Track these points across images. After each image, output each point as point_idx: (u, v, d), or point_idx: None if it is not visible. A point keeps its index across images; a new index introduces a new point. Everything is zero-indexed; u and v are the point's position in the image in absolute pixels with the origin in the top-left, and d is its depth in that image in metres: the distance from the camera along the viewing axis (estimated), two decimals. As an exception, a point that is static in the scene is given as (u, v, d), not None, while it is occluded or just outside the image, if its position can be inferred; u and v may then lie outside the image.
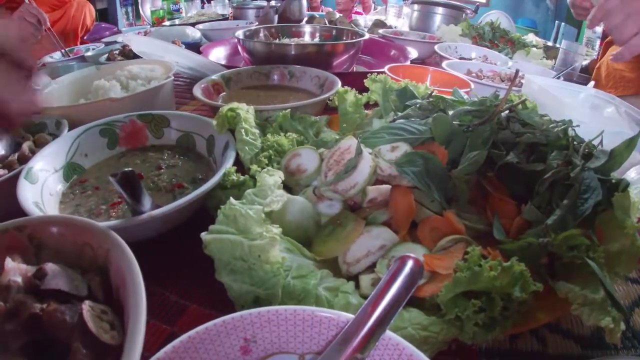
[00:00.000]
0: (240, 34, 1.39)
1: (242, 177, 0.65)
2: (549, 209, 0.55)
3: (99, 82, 1.06)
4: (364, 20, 2.45)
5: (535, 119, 0.64)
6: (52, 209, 0.70)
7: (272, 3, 2.31)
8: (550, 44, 2.31)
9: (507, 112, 0.67)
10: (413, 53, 1.51)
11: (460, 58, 1.66)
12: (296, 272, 0.50)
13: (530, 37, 2.13)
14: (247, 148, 0.70)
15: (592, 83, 1.24)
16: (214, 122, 0.75)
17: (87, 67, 1.24)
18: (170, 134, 0.87)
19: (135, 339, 0.38)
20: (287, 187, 0.68)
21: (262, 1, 2.36)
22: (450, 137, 0.64)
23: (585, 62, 1.83)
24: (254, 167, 0.65)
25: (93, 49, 1.98)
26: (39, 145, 0.87)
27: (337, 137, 0.81)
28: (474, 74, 1.33)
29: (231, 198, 0.53)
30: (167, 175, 0.77)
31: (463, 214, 0.58)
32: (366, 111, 0.90)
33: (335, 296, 0.49)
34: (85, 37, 2.76)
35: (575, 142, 0.61)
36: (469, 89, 1.08)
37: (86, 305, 0.45)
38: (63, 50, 1.96)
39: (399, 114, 0.76)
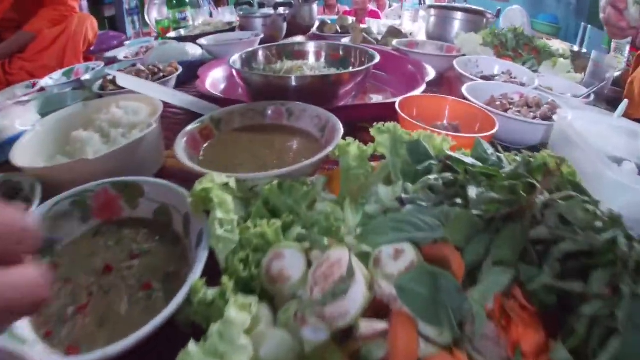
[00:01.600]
0: (236, 60, 1.26)
1: (211, 295, 0.54)
2: (585, 354, 0.42)
3: (77, 134, 0.96)
4: (377, 26, 2.28)
5: (578, 214, 0.50)
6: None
7: (280, 10, 2.17)
8: (576, 48, 2.11)
9: (543, 197, 0.53)
10: (430, 72, 1.36)
11: (482, 77, 1.49)
12: None
13: (556, 45, 1.94)
14: (221, 246, 0.58)
15: (625, 102, 1.08)
16: (189, 199, 0.64)
17: (75, 105, 1.15)
18: (146, 205, 0.76)
19: None
20: (269, 294, 0.56)
21: (269, 9, 2.22)
22: (470, 236, 0.51)
23: (617, 74, 1.65)
24: (225, 282, 0.54)
25: (93, 69, 1.93)
26: None
27: (334, 202, 0.68)
28: (497, 102, 1.18)
29: (190, 345, 0.43)
30: (139, 268, 0.67)
31: (477, 346, 0.46)
32: (372, 163, 0.77)
33: None
34: (92, 49, 2.70)
35: (625, 250, 0.47)
36: (493, 131, 0.94)
37: None
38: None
39: (409, 187, 0.63)
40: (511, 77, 1.50)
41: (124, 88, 1.36)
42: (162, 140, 1.05)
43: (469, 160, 0.67)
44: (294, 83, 1.10)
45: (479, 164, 0.67)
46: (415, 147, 0.72)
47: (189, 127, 0.92)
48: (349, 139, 0.78)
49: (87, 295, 0.64)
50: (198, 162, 0.86)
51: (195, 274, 0.56)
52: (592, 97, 1.40)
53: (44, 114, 1.18)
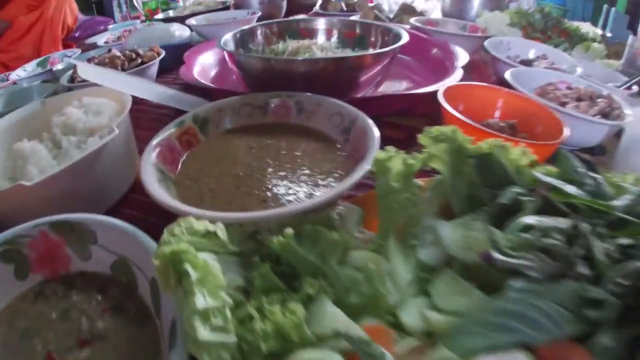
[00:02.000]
0: (228, 40, 1.01)
1: None
2: None
3: (19, 146, 0.72)
4: (388, 4, 2.01)
5: None
6: None
7: (280, -14, 1.91)
8: (599, 31, 1.87)
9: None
10: (462, 56, 1.09)
11: (522, 62, 1.26)
12: None
13: (586, 27, 1.70)
14: (207, 356, 0.35)
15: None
16: (154, 262, 0.40)
17: (30, 104, 0.91)
18: (101, 256, 0.53)
19: None
20: None
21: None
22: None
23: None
24: None
25: (69, 56, 1.70)
26: None
27: (375, 245, 0.46)
28: (550, 95, 0.94)
29: None
30: (89, 361, 0.44)
31: None
32: (419, 181, 0.53)
33: None
34: (76, 34, 2.46)
35: None
36: (564, 136, 0.72)
37: None
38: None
39: (497, 236, 0.40)
40: (551, 65, 1.26)
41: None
42: (133, 145, 0.82)
43: (571, 189, 0.44)
44: (302, 68, 0.85)
45: (583, 193, 0.44)
46: (485, 162, 0.50)
47: (162, 135, 0.68)
48: (389, 150, 0.54)
49: None
50: (173, 184, 0.63)
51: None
52: (636, 88, 1.16)
53: (3, 114, 0.95)
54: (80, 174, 0.66)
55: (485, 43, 1.29)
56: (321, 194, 0.57)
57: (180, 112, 0.73)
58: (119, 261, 0.51)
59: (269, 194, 0.59)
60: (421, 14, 1.85)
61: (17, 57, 2.23)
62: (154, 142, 0.65)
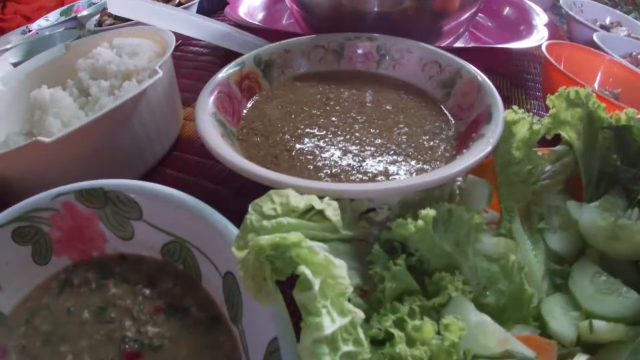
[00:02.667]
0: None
1: None
2: None
3: (37, 94, 0.59)
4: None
5: None
6: None
7: None
8: None
9: None
10: (541, 16, 0.92)
11: (602, 26, 1.12)
12: None
13: None
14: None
15: None
16: (236, 254, 0.26)
17: (52, 49, 0.77)
18: (148, 236, 0.40)
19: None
20: None
21: None
22: None
23: None
24: None
25: (95, 2, 1.53)
26: None
27: (506, 246, 0.36)
28: None
29: None
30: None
31: None
32: (540, 151, 0.44)
33: None
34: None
35: None
36: None
37: None
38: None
39: None
40: (630, 33, 1.13)
41: (125, 20, 1.00)
42: (177, 94, 0.68)
43: None
44: (377, 7, 0.69)
45: None
46: (625, 136, 0.41)
47: (220, 75, 0.53)
48: (517, 110, 0.43)
49: None
50: (237, 140, 0.48)
51: None
52: None
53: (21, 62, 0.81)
54: (114, 127, 0.53)
55: (562, 2, 1.14)
56: (445, 164, 0.42)
57: (228, 61, 0.58)
58: (173, 243, 0.38)
59: (364, 159, 0.45)
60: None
61: (39, 8, 2.08)
62: (210, 86, 0.50)
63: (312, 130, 0.49)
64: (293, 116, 0.52)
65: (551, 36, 0.86)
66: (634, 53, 0.93)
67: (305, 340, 0.23)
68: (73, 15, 1.49)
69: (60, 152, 0.49)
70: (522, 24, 0.93)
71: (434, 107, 0.54)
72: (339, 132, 0.49)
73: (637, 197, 0.37)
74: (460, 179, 0.39)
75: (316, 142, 0.47)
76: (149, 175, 0.60)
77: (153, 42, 0.68)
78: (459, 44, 0.85)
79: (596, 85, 0.78)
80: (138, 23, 0.76)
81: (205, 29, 0.66)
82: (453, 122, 0.51)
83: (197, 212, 0.35)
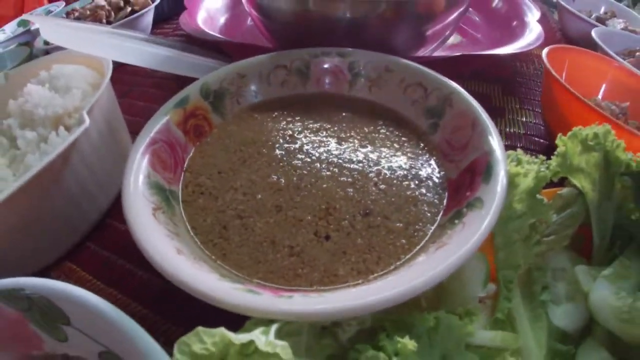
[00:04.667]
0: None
1: None
2: None
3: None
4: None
5: None
6: None
7: None
8: None
9: None
10: (533, 12, 0.84)
11: (597, 18, 1.07)
12: None
13: None
14: None
15: None
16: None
17: None
18: (82, 340, 0.32)
19: None
20: None
21: None
22: None
23: None
24: None
25: (52, 11, 1.42)
26: None
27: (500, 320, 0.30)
28: None
29: None
30: None
31: None
32: (544, 196, 0.37)
33: None
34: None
35: None
36: None
37: None
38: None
39: None
40: (627, 26, 1.06)
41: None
42: (122, 128, 0.59)
43: None
44: (349, 14, 0.59)
45: None
46: None
47: (155, 121, 0.43)
48: (522, 157, 0.37)
49: None
50: (182, 203, 0.39)
51: None
52: None
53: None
54: (44, 191, 0.43)
55: None
56: (433, 228, 0.34)
57: (185, 77, 0.49)
58: (107, 353, 0.30)
59: (333, 229, 0.36)
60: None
61: (-4, 18, 1.96)
62: (143, 140, 0.40)
63: (270, 181, 0.41)
64: (247, 162, 0.43)
65: (544, 30, 0.78)
66: (638, 54, 0.85)
67: None
68: (29, 27, 1.38)
69: None
70: (514, 20, 0.86)
71: (417, 141, 0.45)
72: (302, 186, 0.40)
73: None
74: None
75: (274, 202, 0.38)
76: (91, 238, 0.51)
77: (90, 68, 0.59)
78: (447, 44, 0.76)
79: (600, 96, 0.68)
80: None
81: (145, 54, 0.56)
82: (441, 164, 0.42)
83: (125, 331, 0.27)
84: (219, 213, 0.38)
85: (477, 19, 0.94)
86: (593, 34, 0.82)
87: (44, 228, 0.46)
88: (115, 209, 0.54)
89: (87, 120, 0.43)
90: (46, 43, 0.98)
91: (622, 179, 0.36)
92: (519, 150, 0.37)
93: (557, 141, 0.37)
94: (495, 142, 0.36)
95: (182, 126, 0.45)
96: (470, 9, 0.92)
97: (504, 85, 0.75)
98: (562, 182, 0.39)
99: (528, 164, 0.34)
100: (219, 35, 0.75)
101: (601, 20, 1.07)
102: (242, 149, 0.45)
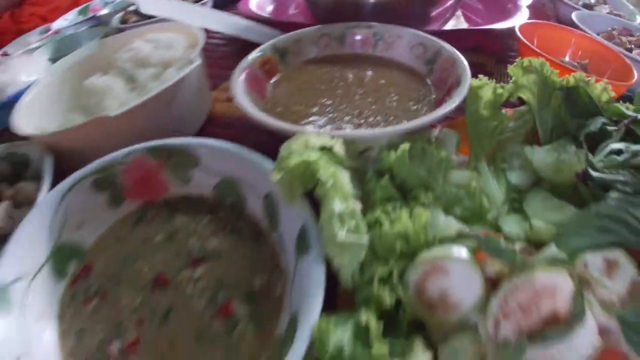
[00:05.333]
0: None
1: (347, 340, 0.32)
2: None
3: (91, 82, 0.71)
4: None
5: None
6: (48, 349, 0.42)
7: None
8: None
9: None
10: None
11: (585, 5, 1.23)
12: None
13: None
14: (347, 258, 0.35)
15: None
16: (275, 176, 0.39)
17: (87, 45, 0.90)
18: (202, 180, 0.53)
19: None
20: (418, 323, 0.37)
21: None
22: None
23: None
24: (369, 322, 0.32)
25: (112, 2, 1.62)
26: (19, 203, 0.59)
27: (470, 174, 0.47)
28: (616, 40, 0.97)
29: None
30: (208, 279, 0.45)
31: None
32: (505, 110, 0.55)
33: None
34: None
35: None
36: (634, 80, 0.74)
37: None
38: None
39: (591, 159, 0.43)
40: (612, 11, 1.23)
41: (150, 18, 1.12)
42: (205, 81, 0.80)
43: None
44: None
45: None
46: (572, 95, 0.51)
47: (247, 59, 0.66)
48: (482, 78, 0.55)
49: (136, 325, 0.43)
50: (264, 109, 0.61)
51: (313, 311, 0.33)
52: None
53: (56, 60, 0.91)
54: (163, 106, 0.65)
55: None
56: (422, 117, 0.55)
57: (243, 51, 0.70)
58: (223, 182, 0.51)
59: (363, 119, 0.58)
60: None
61: (54, 9, 2.17)
62: (241, 66, 0.63)
63: (322, 101, 0.62)
64: (306, 92, 0.65)
65: (536, 16, 0.98)
66: (609, 29, 1.03)
67: (323, 218, 0.36)
68: (92, 14, 1.59)
69: (119, 126, 0.60)
70: (508, 3, 1.05)
71: (419, 81, 0.67)
72: (342, 102, 0.62)
73: (580, 140, 0.47)
74: (437, 130, 0.52)
75: (325, 110, 0.60)
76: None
77: (183, 36, 0.81)
78: (451, 26, 0.97)
79: (567, 58, 0.89)
80: (162, 20, 0.88)
81: (228, 23, 0.79)
82: (434, 90, 0.64)
83: (244, 156, 0.48)
84: (291, 114, 0.60)
85: (480, 6, 1.14)
86: (573, 16, 1.01)
87: (157, 133, 0.66)
88: (202, 134, 0.75)
89: (199, 60, 0.65)
90: (122, 22, 1.20)
91: (556, 93, 0.53)
92: (480, 75, 0.55)
93: (508, 70, 0.56)
94: (464, 70, 0.58)
95: (261, 67, 0.67)
96: None
97: (497, 57, 0.93)
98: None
99: (486, 80, 0.54)
100: (272, 17, 0.98)
101: (588, 7, 1.21)
102: (301, 85, 0.68)
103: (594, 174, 0.41)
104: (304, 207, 0.41)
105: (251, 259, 0.45)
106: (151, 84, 0.69)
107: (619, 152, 0.44)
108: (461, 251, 0.36)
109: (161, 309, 0.43)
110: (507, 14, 0.98)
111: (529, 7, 1.01)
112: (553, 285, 0.32)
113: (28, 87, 0.77)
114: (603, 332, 0.33)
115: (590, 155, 0.43)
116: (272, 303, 0.41)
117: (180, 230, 0.50)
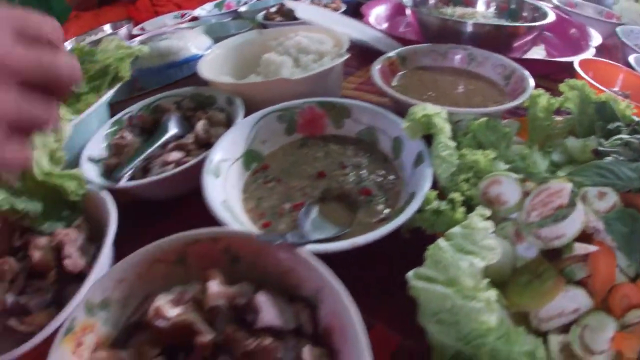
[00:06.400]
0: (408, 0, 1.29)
1: (442, 205, 0.60)
2: None
3: (269, 56, 1.03)
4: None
5: None
6: (236, 203, 0.72)
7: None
8: None
9: None
10: (596, 38, 1.28)
11: None
12: (500, 333, 0.46)
13: None
14: (444, 166, 0.64)
15: None
16: (404, 124, 0.69)
17: (249, 32, 1.23)
18: (351, 126, 0.84)
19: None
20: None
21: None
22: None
23: None
24: (456, 197, 0.60)
25: (245, 3, 1.96)
26: (213, 124, 0.89)
27: (526, 150, 0.72)
28: None
29: (440, 241, 0.50)
30: (352, 176, 0.75)
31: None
32: (556, 117, 0.79)
33: (531, 363, 0.45)
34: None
35: None
36: None
37: (307, 350, 0.45)
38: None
39: (603, 142, 0.67)
40: None
41: (292, 20, 1.45)
42: (342, 74, 1.10)
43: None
44: (470, 29, 1.11)
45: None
46: (603, 107, 0.74)
47: (379, 60, 0.98)
48: (539, 90, 0.80)
49: (302, 195, 0.73)
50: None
51: (425, 187, 0.63)
52: None
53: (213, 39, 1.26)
54: (319, 80, 0.94)
55: (617, 29, 1.42)
56: (496, 105, 0.82)
57: (361, 55, 1.00)
58: (365, 129, 0.82)
59: (455, 104, 0.87)
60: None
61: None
62: (378, 60, 0.98)
63: (429, 94, 0.92)
64: (419, 87, 0.95)
65: (605, 55, 1.21)
66: None
67: (434, 145, 0.65)
68: (231, 9, 1.88)
69: (290, 87, 0.90)
70: (582, 42, 1.29)
71: (498, 90, 0.95)
72: (443, 96, 0.91)
73: (599, 133, 0.70)
74: (509, 121, 0.79)
75: (431, 99, 0.90)
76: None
77: (328, 37, 1.11)
78: (530, 55, 1.25)
79: (616, 89, 1.10)
80: (301, 24, 1.20)
81: (366, 33, 1.11)
82: (508, 98, 0.91)
83: (384, 113, 0.79)
84: (417, 94, 0.90)
85: (558, 42, 1.40)
86: (630, 58, 1.20)
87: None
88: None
89: (347, 55, 0.96)
90: (265, 19, 1.55)
91: (592, 105, 0.75)
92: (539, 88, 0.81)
93: (560, 88, 0.79)
94: (530, 82, 0.87)
95: (388, 66, 0.98)
96: (554, 33, 1.40)
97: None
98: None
99: (541, 92, 0.79)
100: (388, 32, 1.29)
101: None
102: (418, 81, 0.98)
103: (602, 149, 0.65)
104: (421, 142, 0.70)
105: (379, 170, 0.75)
106: (312, 65, 1.00)
107: (625, 143, 0.65)
108: (510, 173, 0.63)
109: (321, 187, 0.73)
110: (579, 50, 1.22)
111: (602, 47, 1.25)
112: (560, 189, 0.56)
113: (196, 55, 1.13)
114: (594, 230, 0.53)
115: (602, 140, 0.68)
116: (394, 191, 0.71)
117: (334, 151, 0.81)
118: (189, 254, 0.55)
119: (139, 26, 1.96)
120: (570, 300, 0.51)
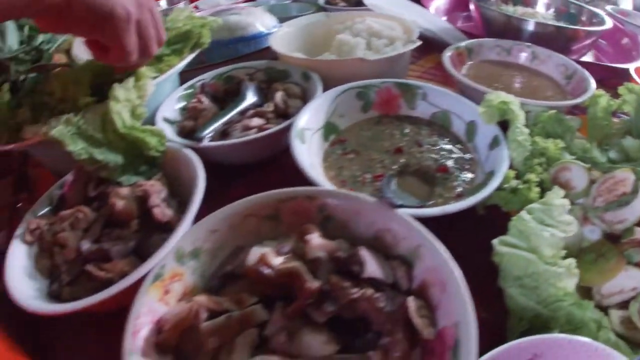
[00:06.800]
0: (474, -6, 1.35)
1: (520, 185, 0.67)
2: None
3: (343, 37, 1.09)
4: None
5: None
6: (319, 169, 0.78)
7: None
8: None
9: None
10: None
11: None
12: (575, 299, 0.53)
13: None
14: (520, 150, 0.71)
15: None
16: (480, 109, 0.76)
17: (315, 14, 1.29)
18: (425, 108, 0.90)
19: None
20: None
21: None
22: None
23: None
24: (532, 178, 0.67)
25: None
26: (289, 95, 0.95)
27: (587, 145, 0.77)
28: None
29: (523, 213, 0.57)
30: (428, 154, 0.81)
31: None
32: (614, 119, 0.85)
33: (598, 330, 0.53)
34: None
35: None
36: None
37: (412, 302, 0.49)
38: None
39: None
40: None
41: (353, 5, 1.50)
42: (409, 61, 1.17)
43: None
44: (532, 28, 1.17)
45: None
46: None
47: (450, 49, 1.05)
48: (600, 91, 0.85)
49: (382, 168, 0.79)
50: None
51: (504, 167, 0.70)
52: None
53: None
54: (392, 63, 1.00)
55: None
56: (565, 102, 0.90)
57: (421, 47, 1.03)
58: (439, 112, 0.88)
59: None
60: (615, 2, 2.01)
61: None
62: (447, 51, 1.04)
63: (495, 85, 0.98)
64: (486, 79, 1.01)
65: None
66: None
67: (510, 129, 0.72)
68: None
69: (365, 67, 0.95)
70: (633, 51, 1.31)
71: (560, 89, 1.01)
72: (507, 89, 0.96)
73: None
74: (571, 117, 0.85)
75: (497, 86, 0.96)
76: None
77: (396, 23, 1.17)
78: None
79: None
80: (366, 9, 1.25)
81: (436, 24, 1.18)
82: (569, 97, 0.98)
83: (455, 96, 0.86)
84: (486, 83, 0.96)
85: (610, 50, 1.44)
86: None
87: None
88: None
89: (419, 42, 1.03)
90: (327, 3, 1.60)
91: None
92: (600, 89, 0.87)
93: (619, 90, 0.84)
94: (591, 81, 0.93)
95: (457, 56, 1.05)
96: (606, 40, 1.44)
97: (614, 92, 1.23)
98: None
99: (602, 92, 0.84)
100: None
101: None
102: (480, 72, 1.04)
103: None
104: (496, 127, 0.77)
105: (454, 150, 0.82)
106: (384, 49, 1.07)
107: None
108: (578, 161, 0.70)
109: (399, 162, 0.79)
110: (630, 59, 1.26)
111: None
112: (624, 178, 0.64)
113: (261, 33, 1.20)
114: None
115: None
116: (470, 170, 0.78)
117: (409, 131, 0.87)
118: (282, 210, 0.59)
119: (193, 4, 2.01)
120: (630, 278, 0.58)
